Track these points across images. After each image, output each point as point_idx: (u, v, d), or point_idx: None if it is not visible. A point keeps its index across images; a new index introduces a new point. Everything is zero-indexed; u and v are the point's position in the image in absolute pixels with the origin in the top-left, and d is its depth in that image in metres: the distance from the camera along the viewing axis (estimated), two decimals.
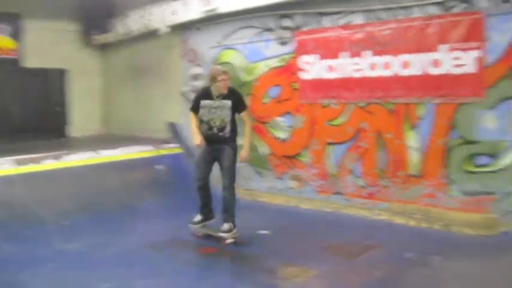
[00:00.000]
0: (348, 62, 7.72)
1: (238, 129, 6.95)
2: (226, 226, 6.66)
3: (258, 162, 9.24)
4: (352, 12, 7.70)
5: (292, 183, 8.72)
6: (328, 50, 7.96)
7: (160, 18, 10.61)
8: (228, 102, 6.70)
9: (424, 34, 6.97)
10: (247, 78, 9.28)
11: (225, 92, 6.71)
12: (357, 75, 7.59)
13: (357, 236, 6.84)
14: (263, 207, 8.71)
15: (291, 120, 8.65)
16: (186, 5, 9.94)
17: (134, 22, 11.50)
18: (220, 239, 6.60)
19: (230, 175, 6.76)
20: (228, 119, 6.71)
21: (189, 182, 7.33)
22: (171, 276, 5.62)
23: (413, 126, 7.15)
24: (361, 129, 7.70)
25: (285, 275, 5.59)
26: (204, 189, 6.91)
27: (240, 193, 9.16)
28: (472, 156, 6.71)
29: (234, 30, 9.45)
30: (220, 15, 9.37)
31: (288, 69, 8.59)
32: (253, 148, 9.20)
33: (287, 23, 8.57)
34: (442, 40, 6.82)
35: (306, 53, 8.27)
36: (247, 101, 9.18)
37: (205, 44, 10.09)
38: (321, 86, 8.08)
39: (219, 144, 6.74)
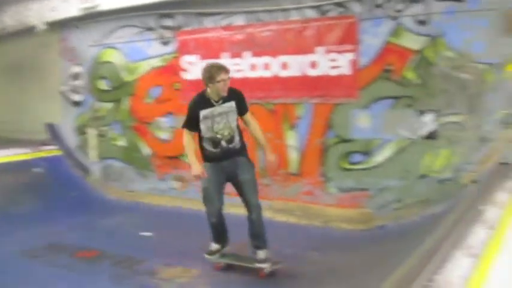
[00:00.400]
0: (228, 62, 7.75)
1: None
2: (262, 254, 5.54)
3: (140, 163, 9.11)
4: (234, 13, 7.79)
5: (175, 184, 8.67)
6: (209, 51, 8.00)
7: (39, 14, 10.14)
8: (233, 104, 5.51)
9: (302, 36, 7.18)
10: (128, 78, 9.13)
11: (225, 94, 5.43)
12: (238, 75, 7.65)
13: (238, 234, 6.88)
14: (146, 208, 8.57)
15: (173, 121, 8.58)
16: (66, 2, 9.56)
17: (10, 17, 10.92)
18: (258, 270, 5.50)
19: (255, 190, 5.67)
20: (234, 124, 5.57)
21: (69, 185, 7.08)
22: (47, 283, 5.40)
23: (292, 126, 7.35)
24: (243, 129, 7.75)
25: (167, 276, 5.55)
26: (221, 221, 5.86)
27: (123, 195, 9.03)
28: (347, 154, 7.01)
29: (115, 28, 9.24)
30: (100, 13, 9.12)
31: (170, 69, 8.54)
32: (135, 149, 9.08)
33: (168, 22, 8.51)
34: (319, 42, 7.06)
35: (188, 53, 8.26)
36: (129, 102, 9.08)
37: (85, 42, 9.78)
38: (202, 86, 8.05)
39: (230, 158, 5.58)
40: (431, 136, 6.48)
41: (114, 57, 9.33)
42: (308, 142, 7.24)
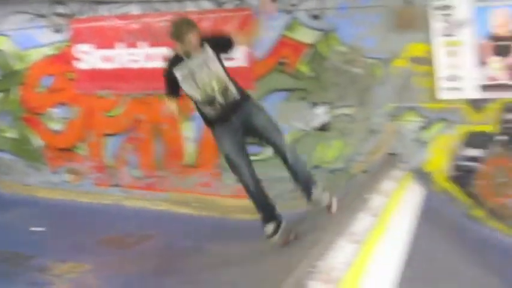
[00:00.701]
0: (124, 52, 7.64)
1: None
2: (319, 189, 4.99)
3: (32, 156, 8.76)
4: (129, 2, 7.64)
5: (69, 177, 8.42)
6: (105, 40, 7.80)
7: None
8: (208, 51, 4.84)
9: (199, 28, 7.14)
10: (18, 66, 8.69)
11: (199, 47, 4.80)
12: (134, 66, 7.56)
13: (135, 227, 6.83)
14: (39, 202, 8.26)
15: (66, 111, 8.32)
16: None
17: None
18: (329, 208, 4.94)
19: (276, 130, 5.03)
20: (221, 72, 4.87)
21: None
22: None
23: (188, 118, 7.32)
24: (137, 121, 7.70)
25: (58, 272, 5.41)
26: (259, 186, 5.28)
27: (16, 189, 8.66)
28: None
29: (4, 14, 8.77)
30: None
31: (63, 58, 8.23)
32: (26, 141, 8.73)
33: (61, 9, 8.20)
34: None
35: (82, 41, 8.00)
36: (19, 91, 8.69)
37: None
38: (97, 76, 7.89)
39: (236, 111, 4.92)
40: (323, 128, 6.68)
41: (3, 44, 8.87)
42: (204, 134, 7.24)
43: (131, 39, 7.61)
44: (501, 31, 5.82)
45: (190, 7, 7.26)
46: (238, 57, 6.95)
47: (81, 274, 5.32)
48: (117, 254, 5.86)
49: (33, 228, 6.74)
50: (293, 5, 6.72)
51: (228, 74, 4.91)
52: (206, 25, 7.09)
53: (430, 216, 5.42)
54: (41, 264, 5.59)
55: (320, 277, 2.92)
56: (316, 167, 6.68)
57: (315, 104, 6.69)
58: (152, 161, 7.65)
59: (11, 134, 8.92)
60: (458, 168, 6.19)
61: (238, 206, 7.06)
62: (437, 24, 6.02)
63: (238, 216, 6.95)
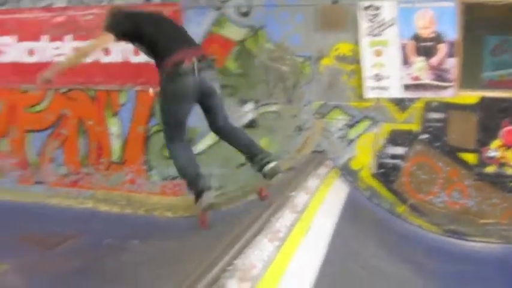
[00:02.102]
0: (48, 45, 7.42)
1: None
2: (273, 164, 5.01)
3: None
4: None
5: None
6: (28, 32, 7.54)
7: None
8: None
9: None
10: None
11: None
12: (58, 59, 7.34)
13: (58, 226, 6.63)
14: None
15: None
16: None
17: None
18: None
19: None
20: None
21: None
22: None
23: (114, 113, 7.20)
24: (62, 116, 7.48)
25: None
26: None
27: None
28: None
29: None
30: None
31: None
32: None
33: None
34: None
35: (3, 33, 7.71)
36: None
37: None
38: (20, 69, 7.61)
39: None
40: (251, 125, 6.68)
41: None
42: (131, 130, 7.14)
43: (56, 32, 7.38)
44: (424, 32, 5.96)
45: (118, 0, 7.11)
46: None
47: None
48: (38, 254, 5.67)
49: None
50: (222, 1, 6.67)
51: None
52: None
53: (354, 213, 5.51)
54: None
55: (238, 275, 2.90)
56: (243, 164, 6.66)
57: (242, 101, 6.69)
58: (77, 158, 7.46)
59: None
60: (382, 165, 6.31)
61: (165, 203, 7.04)
62: (363, 24, 6.11)
63: (164, 214, 6.90)
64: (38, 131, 7.67)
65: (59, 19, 7.36)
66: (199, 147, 6.88)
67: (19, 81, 7.67)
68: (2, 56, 7.73)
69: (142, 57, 6.87)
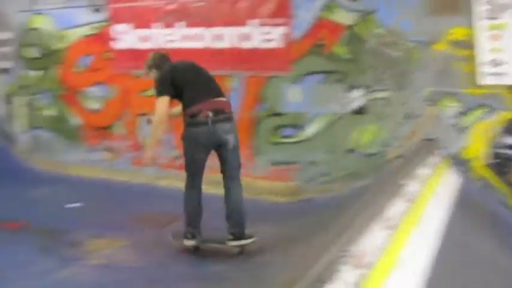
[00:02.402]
0: (160, 32, 7.67)
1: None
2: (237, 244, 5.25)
3: (69, 134, 8.90)
4: None
5: (105, 155, 8.51)
6: (142, 20, 7.85)
7: None
8: None
9: (236, 8, 7.13)
10: (57, 45, 8.84)
11: None
12: (170, 46, 7.57)
13: (169, 206, 6.80)
14: (75, 180, 8.40)
15: (104, 91, 8.42)
16: None
17: None
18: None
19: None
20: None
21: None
22: None
23: None
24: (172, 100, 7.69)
25: (91, 248, 5.48)
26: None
27: (51, 166, 8.81)
28: (278, 128, 7.05)
29: None
30: None
31: (101, 38, 8.33)
32: (64, 119, 8.86)
33: None
34: (252, 15, 7.03)
35: (120, 21, 8.07)
36: (58, 70, 8.82)
37: (12, 7, 9.38)
38: (134, 56, 7.92)
39: None
40: (359, 111, 6.59)
41: (43, 24, 9.01)
42: (240, 115, 7.23)
43: (168, 19, 7.62)
44: None
45: None
46: (274, 38, 6.92)
47: (114, 250, 5.38)
48: (152, 232, 5.90)
49: (68, 205, 6.83)
50: None
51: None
52: (243, 6, 7.07)
53: (465, 204, 5.32)
54: (76, 240, 5.66)
55: (352, 261, 2.87)
56: (351, 151, 6.62)
57: (351, 87, 6.60)
58: None
59: (49, 112, 9.06)
60: (496, 155, 6.03)
61: (270, 188, 7.09)
62: (479, 7, 5.85)
63: (269, 198, 6.96)
64: (150, 114, 7.93)
65: (171, 7, 7.59)
66: (307, 132, 6.87)
67: (133, 67, 7.99)
68: (119, 43, 8.08)
69: (252, 43, 7.02)
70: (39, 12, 9.07)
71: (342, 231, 3.17)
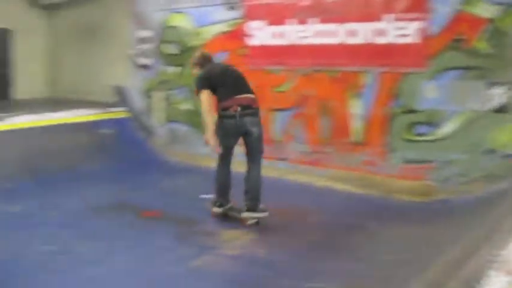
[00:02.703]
0: (294, 28, 7.73)
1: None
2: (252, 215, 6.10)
3: (203, 128, 9.18)
4: None
5: (239, 149, 8.70)
6: (276, 16, 7.96)
7: None
8: None
9: (370, 3, 7.03)
10: (194, 42, 9.19)
11: None
12: (303, 42, 7.62)
13: (299, 200, 6.93)
14: (208, 172, 8.64)
15: None
16: None
17: None
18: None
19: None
20: None
21: (134, 146, 7.28)
22: (112, 238, 5.57)
23: (357, 95, 7.25)
24: (305, 96, 7.76)
25: (226, 238, 5.63)
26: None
27: (186, 158, 9.17)
28: (412, 125, 6.88)
29: None
30: None
31: (236, 35, 8.55)
32: (199, 113, 9.17)
33: None
34: (387, 10, 6.90)
35: (254, 18, 8.23)
36: None
37: (152, 6, 9.91)
38: (268, 52, 8.09)
39: None
40: (501, 109, 6.26)
41: (181, 21, 9.42)
42: (373, 111, 7.13)
43: (301, 15, 7.66)
44: None
45: None
46: (409, 33, 6.76)
47: (248, 241, 5.50)
48: (281, 226, 5.97)
49: (203, 195, 7.07)
50: None
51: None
52: (378, 1, 6.95)
53: None
54: (210, 229, 5.86)
55: (503, 267, 2.72)
56: (490, 151, 6.30)
57: (492, 84, 6.28)
58: (318, 137, 7.69)
59: (186, 106, 9.44)
60: None
61: (403, 187, 6.91)
62: None
63: (401, 197, 6.79)
64: (283, 110, 8.05)
65: (305, 3, 7.62)
66: (444, 130, 6.64)
67: (266, 63, 8.13)
68: (253, 39, 8.25)
69: (387, 38, 6.89)
70: (177, 11, 9.48)
71: (490, 235, 3.02)
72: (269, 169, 8.12)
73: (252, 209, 6.01)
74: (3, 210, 6.43)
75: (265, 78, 8.20)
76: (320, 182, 7.58)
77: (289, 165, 8.05)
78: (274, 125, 8.19)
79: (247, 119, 5.90)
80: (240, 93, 5.95)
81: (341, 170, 7.51)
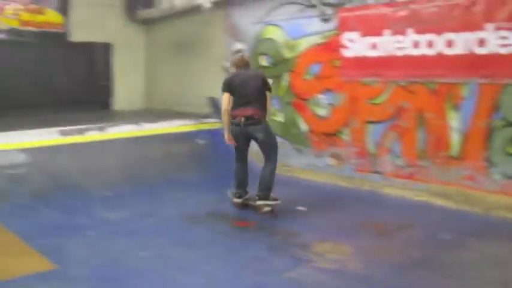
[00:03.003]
0: (390, 39, 7.61)
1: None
2: (264, 203, 7.06)
3: (296, 139, 9.26)
4: None
5: (331, 161, 8.70)
6: (371, 28, 7.85)
7: None
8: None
9: (470, 12, 6.81)
10: (288, 54, 9.26)
11: None
12: (399, 53, 7.49)
13: (394, 215, 6.83)
14: (301, 183, 8.74)
15: (332, 98, 8.59)
16: None
17: None
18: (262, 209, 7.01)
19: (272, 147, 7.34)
20: None
21: (227, 157, 7.40)
22: (208, 247, 5.73)
23: (455, 107, 7.04)
24: (401, 108, 7.60)
25: (320, 251, 5.61)
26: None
27: (279, 169, 9.22)
28: None
29: (277, 6, 9.40)
30: None
31: (330, 46, 8.51)
32: (292, 124, 9.24)
33: None
34: (488, 19, 6.66)
35: (348, 30, 8.17)
36: (289, 78, 9.23)
37: (247, 19, 10.08)
38: (363, 63, 8.00)
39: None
40: None
41: (275, 34, 9.50)
42: (472, 124, 6.88)
43: (398, 26, 7.53)
44: None
45: None
46: None
47: (342, 255, 5.44)
48: (377, 240, 5.89)
49: (298, 207, 7.10)
50: None
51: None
52: (478, 9, 6.73)
53: None
54: (304, 242, 5.85)
55: None
56: None
57: None
58: (414, 150, 7.51)
59: (279, 117, 9.52)
60: None
61: (504, 203, 6.62)
62: None
63: (503, 215, 6.52)
64: (378, 122, 7.94)
65: (402, 13, 7.49)
66: None
67: (361, 74, 8.06)
68: (347, 51, 8.20)
69: (488, 48, 6.65)
70: (271, 24, 9.58)
71: None
72: (363, 182, 8.11)
73: (264, 197, 6.96)
74: (103, 216, 6.77)
75: (359, 90, 8.13)
76: (416, 196, 7.42)
77: (384, 179, 7.92)
78: (369, 137, 8.09)
79: (250, 128, 6.94)
80: (247, 105, 6.94)
81: (438, 185, 7.30)
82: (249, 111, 6.90)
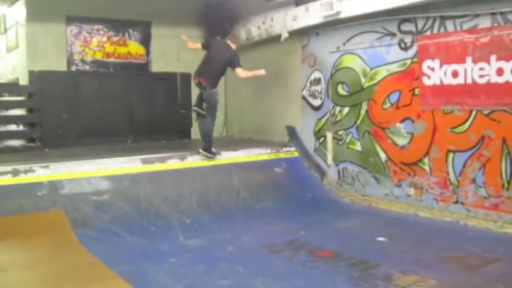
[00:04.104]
0: (472, 67, 7.45)
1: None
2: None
3: (375, 168, 9.15)
4: (478, 15, 7.41)
5: (411, 191, 8.54)
6: (451, 55, 7.71)
7: (282, 24, 10.78)
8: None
9: None
10: (367, 83, 9.23)
11: None
12: (482, 81, 7.31)
13: (478, 247, 6.58)
14: (380, 213, 8.61)
15: (411, 127, 8.46)
16: (308, 11, 10.04)
17: (256, 28, 11.76)
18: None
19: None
20: None
21: (306, 185, 7.43)
22: (289, 277, 5.70)
23: None
24: (485, 137, 7.38)
25: (403, 283, 5.45)
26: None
27: (357, 199, 9.17)
28: None
29: (354, 34, 9.44)
30: (341, 20, 9.38)
31: (409, 75, 8.43)
32: (371, 153, 9.15)
33: (409, 27, 8.43)
34: None
35: (428, 58, 8.06)
36: (367, 106, 9.19)
37: (324, 48, 10.15)
38: (443, 91, 7.85)
39: None
40: None
41: (353, 62, 9.51)
42: None
43: (480, 53, 7.36)
44: None
45: None
46: None
47: (429, 287, 5.32)
48: (461, 274, 5.70)
49: (377, 238, 7.00)
50: None
51: None
52: None
53: None
54: (386, 274, 5.72)
55: None
56: None
57: None
58: (499, 181, 7.25)
59: (357, 146, 9.46)
60: None
61: None
62: None
63: None
64: (460, 151, 7.74)
65: (484, 40, 7.32)
66: None
67: (442, 103, 7.91)
68: (427, 79, 8.08)
69: None
70: (349, 52, 9.59)
71: None
72: (444, 213, 7.90)
73: (203, 148, 9.52)
74: (183, 244, 6.95)
75: (440, 119, 7.97)
76: (501, 228, 7.16)
77: (467, 210, 7.69)
78: (450, 166, 7.89)
79: (203, 91, 9.47)
80: (203, 73, 9.40)
81: None
82: (200, 78, 9.36)
